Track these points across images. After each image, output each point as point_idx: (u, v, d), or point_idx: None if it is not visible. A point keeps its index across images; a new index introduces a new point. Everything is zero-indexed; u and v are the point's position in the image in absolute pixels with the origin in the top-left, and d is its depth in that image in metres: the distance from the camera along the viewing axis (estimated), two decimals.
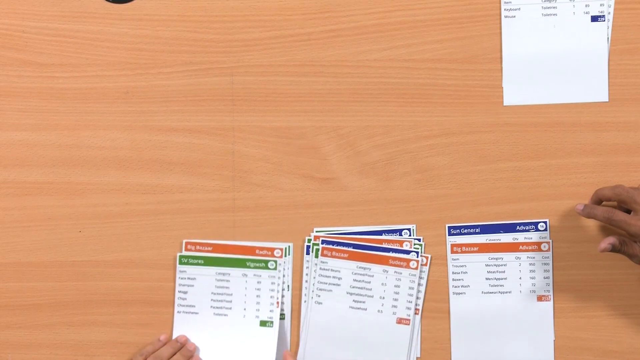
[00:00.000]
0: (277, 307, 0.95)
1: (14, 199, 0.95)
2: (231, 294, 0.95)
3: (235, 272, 0.95)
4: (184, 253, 0.95)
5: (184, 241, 0.95)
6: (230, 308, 0.95)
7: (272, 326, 0.94)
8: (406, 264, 0.95)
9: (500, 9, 0.94)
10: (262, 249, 0.95)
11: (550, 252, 0.95)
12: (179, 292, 0.95)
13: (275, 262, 0.95)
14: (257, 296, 0.95)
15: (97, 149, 0.95)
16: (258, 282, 0.95)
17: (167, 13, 0.95)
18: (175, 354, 0.93)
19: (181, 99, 0.95)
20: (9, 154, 0.95)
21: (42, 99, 0.95)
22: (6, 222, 0.95)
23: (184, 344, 0.95)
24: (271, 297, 0.95)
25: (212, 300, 0.95)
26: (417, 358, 0.95)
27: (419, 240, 0.95)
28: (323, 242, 0.95)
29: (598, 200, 0.92)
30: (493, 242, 0.95)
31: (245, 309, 0.95)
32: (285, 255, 0.95)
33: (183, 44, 0.95)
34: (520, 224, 0.95)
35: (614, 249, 0.87)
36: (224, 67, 0.95)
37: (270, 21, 0.95)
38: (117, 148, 0.95)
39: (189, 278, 0.95)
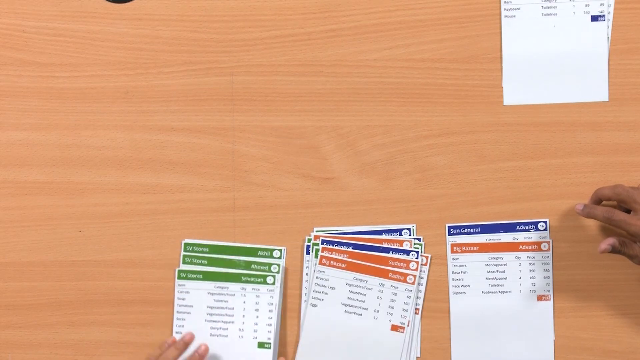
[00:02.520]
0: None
1: (13, 198, 0.95)
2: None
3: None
4: None
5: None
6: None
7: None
8: (406, 264, 0.95)
9: (500, 8, 0.94)
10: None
11: (550, 252, 0.95)
12: None
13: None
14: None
15: (97, 148, 0.95)
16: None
17: (167, 13, 0.95)
18: (179, 355, 0.91)
19: (181, 99, 0.95)
20: (9, 154, 0.95)
21: (42, 99, 0.95)
22: (6, 222, 0.95)
23: (188, 342, 0.93)
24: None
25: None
26: (417, 358, 0.95)
27: (419, 240, 0.95)
28: (323, 242, 0.95)
29: (598, 200, 0.92)
30: (493, 241, 0.95)
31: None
32: (280, 258, 0.96)
33: (183, 44, 0.95)
34: (520, 224, 0.95)
35: (614, 250, 0.87)
36: (224, 67, 0.95)
37: (270, 21, 0.95)
38: (117, 148, 0.95)
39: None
